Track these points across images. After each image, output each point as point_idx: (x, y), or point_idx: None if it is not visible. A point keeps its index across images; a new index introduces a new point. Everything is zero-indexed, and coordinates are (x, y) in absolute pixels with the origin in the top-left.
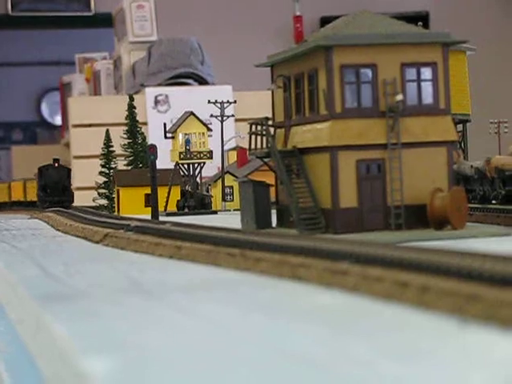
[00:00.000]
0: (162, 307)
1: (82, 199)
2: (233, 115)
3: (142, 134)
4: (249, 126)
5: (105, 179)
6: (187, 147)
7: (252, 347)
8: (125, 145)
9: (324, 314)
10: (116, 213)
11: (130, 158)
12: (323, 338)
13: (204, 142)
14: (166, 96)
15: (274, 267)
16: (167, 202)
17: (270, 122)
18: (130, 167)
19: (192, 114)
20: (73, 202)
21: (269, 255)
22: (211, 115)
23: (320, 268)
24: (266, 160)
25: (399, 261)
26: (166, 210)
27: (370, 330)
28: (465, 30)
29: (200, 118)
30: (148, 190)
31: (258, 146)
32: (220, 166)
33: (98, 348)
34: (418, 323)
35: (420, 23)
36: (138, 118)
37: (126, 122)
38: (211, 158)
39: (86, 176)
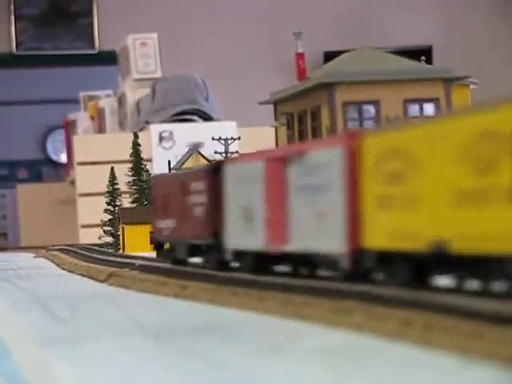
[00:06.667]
0: (167, 350)
1: (88, 237)
2: (237, 151)
3: (147, 171)
4: None
5: (110, 217)
6: None
7: None
8: (129, 182)
9: (329, 355)
10: (121, 251)
11: (135, 196)
12: (329, 380)
13: None
14: (171, 133)
15: (279, 306)
16: None
17: None
18: (134, 204)
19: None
20: None
21: (273, 294)
22: (215, 152)
23: (325, 307)
24: None
25: (403, 299)
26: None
27: (375, 371)
28: (468, 63)
29: (204, 154)
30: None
31: None
32: None
33: None
34: (422, 362)
35: (423, 58)
36: (142, 155)
37: (130, 159)
38: None
39: (91, 214)
